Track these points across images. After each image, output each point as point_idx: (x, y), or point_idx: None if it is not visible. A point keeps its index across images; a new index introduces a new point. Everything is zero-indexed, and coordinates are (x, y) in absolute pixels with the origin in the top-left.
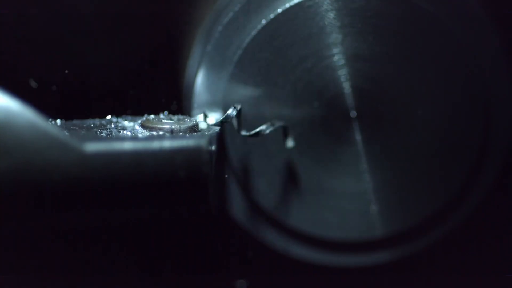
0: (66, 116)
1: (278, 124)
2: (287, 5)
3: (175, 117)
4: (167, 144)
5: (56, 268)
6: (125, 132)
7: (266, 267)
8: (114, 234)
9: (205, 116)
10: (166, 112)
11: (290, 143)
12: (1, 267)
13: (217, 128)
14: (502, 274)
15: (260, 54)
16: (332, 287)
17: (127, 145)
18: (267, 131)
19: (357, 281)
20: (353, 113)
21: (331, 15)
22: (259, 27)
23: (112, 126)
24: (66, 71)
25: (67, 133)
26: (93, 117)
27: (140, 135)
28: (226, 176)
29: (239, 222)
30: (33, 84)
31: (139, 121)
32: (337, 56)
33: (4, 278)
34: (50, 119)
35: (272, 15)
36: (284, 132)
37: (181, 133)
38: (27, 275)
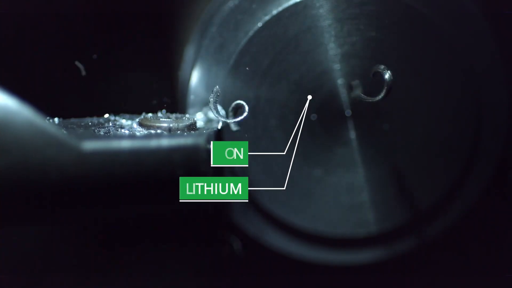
0: (64, 114)
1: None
2: (285, 5)
3: (173, 116)
4: (165, 142)
5: (55, 268)
6: (123, 130)
7: (264, 265)
8: (111, 233)
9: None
10: (164, 111)
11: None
12: (1, 267)
13: (216, 127)
14: (502, 274)
15: (258, 53)
16: (329, 285)
17: (125, 144)
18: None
19: (355, 279)
20: (347, 112)
21: (328, 15)
22: (256, 26)
23: (110, 124)
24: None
25: (65, 132)
26: (91, 115)
27: (138, 134)
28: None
29: (236, 220)
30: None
31: (137, 120)
32: (333, 56)
33: (4, 278)
34: (48, 118)
35: (270, 14)
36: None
37: (179, 132)
38: (26, 275)
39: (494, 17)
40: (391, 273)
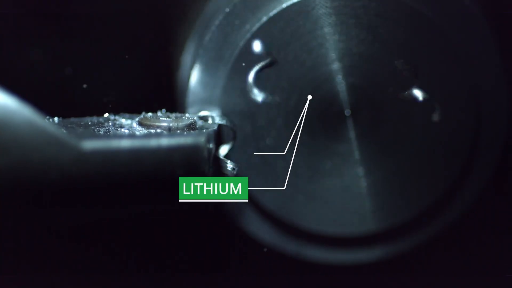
0: (64, 114)
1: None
2: (284, 5)
3: (173, 115)
4: (165, 142)
5: (55, 268)
6: (122, 130)
7: (264, 265)
8: (112, 233)
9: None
10: (163, 110)
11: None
12: (1, 267)
13: (215, 126)
14: (502, 274)
15: (256, 53)
16: (329, 285)
17: (125, 143)
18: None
19: (355, 279)
20: (347, 111)
21: (327, 15)
22: (256, 25)
23: (110, 124)
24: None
25: (64, 131)
26: (91, 115)
27: (137, 133)
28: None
29: (235, 219)
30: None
31: (137, 119)
32: (332, 55)
33: (4, 278)
34: (48, 117)
35: (269, 14)
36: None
37: (178, 131)
38: (26, 275)
39: (494, 17)
40: (391, 273)
